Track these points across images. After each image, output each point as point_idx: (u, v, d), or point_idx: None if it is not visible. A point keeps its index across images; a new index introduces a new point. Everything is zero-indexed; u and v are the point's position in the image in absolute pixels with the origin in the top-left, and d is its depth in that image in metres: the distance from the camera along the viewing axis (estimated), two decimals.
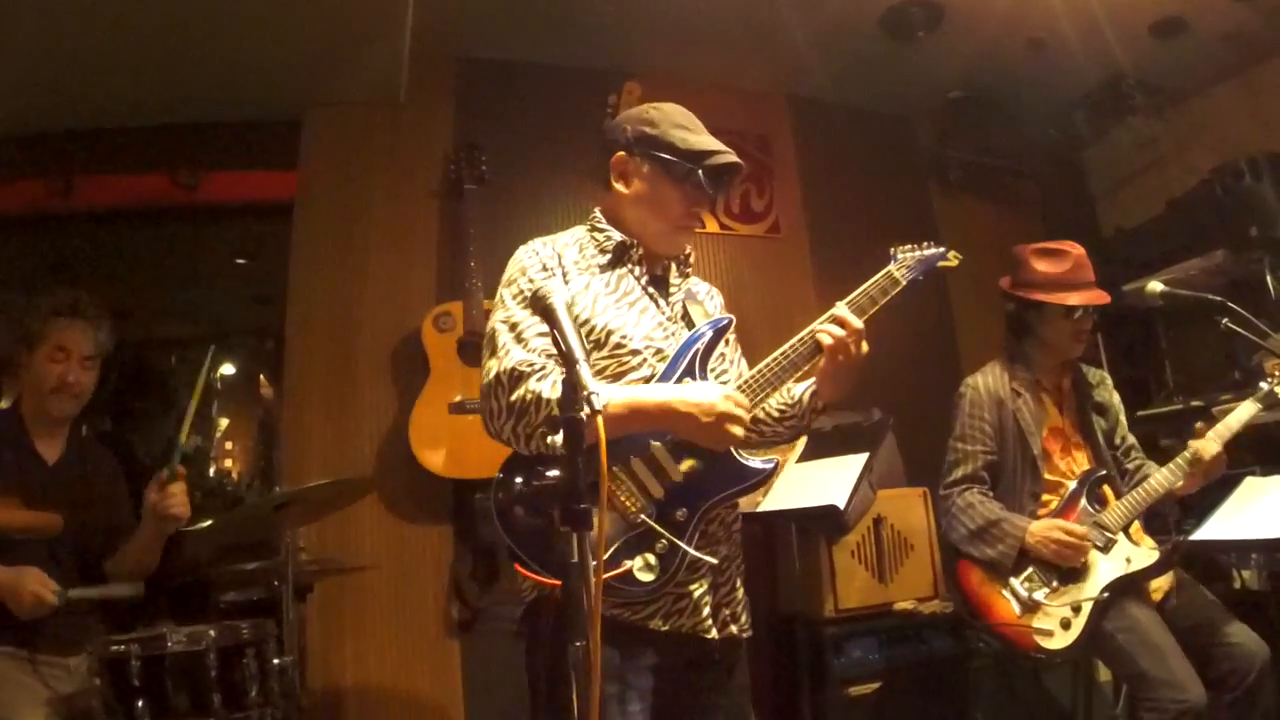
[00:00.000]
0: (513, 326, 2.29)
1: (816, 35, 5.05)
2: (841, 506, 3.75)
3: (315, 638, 4.22)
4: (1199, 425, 3.40)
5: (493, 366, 2.26)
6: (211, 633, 3.01)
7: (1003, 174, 6.22)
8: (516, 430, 2.18)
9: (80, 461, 3.51)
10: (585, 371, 1.78)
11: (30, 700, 2.99)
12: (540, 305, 1.97)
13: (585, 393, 1.74)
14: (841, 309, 2.36)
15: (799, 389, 2.52)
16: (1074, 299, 3.52)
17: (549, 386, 2.13)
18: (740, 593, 2.45)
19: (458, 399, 4.29)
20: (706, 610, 2.31)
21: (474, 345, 4.36)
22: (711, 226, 5.42)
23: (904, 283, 2.53)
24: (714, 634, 2.32)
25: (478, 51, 5.15)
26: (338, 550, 4.30)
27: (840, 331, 2.31)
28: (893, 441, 4.57)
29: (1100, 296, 3.55)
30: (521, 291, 2.34)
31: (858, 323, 2.33)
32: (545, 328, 2.19)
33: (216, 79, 4.59)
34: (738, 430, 2.18)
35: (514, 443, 2.21)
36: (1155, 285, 3.69)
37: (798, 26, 4.93)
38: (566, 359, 1.82)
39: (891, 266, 2.56)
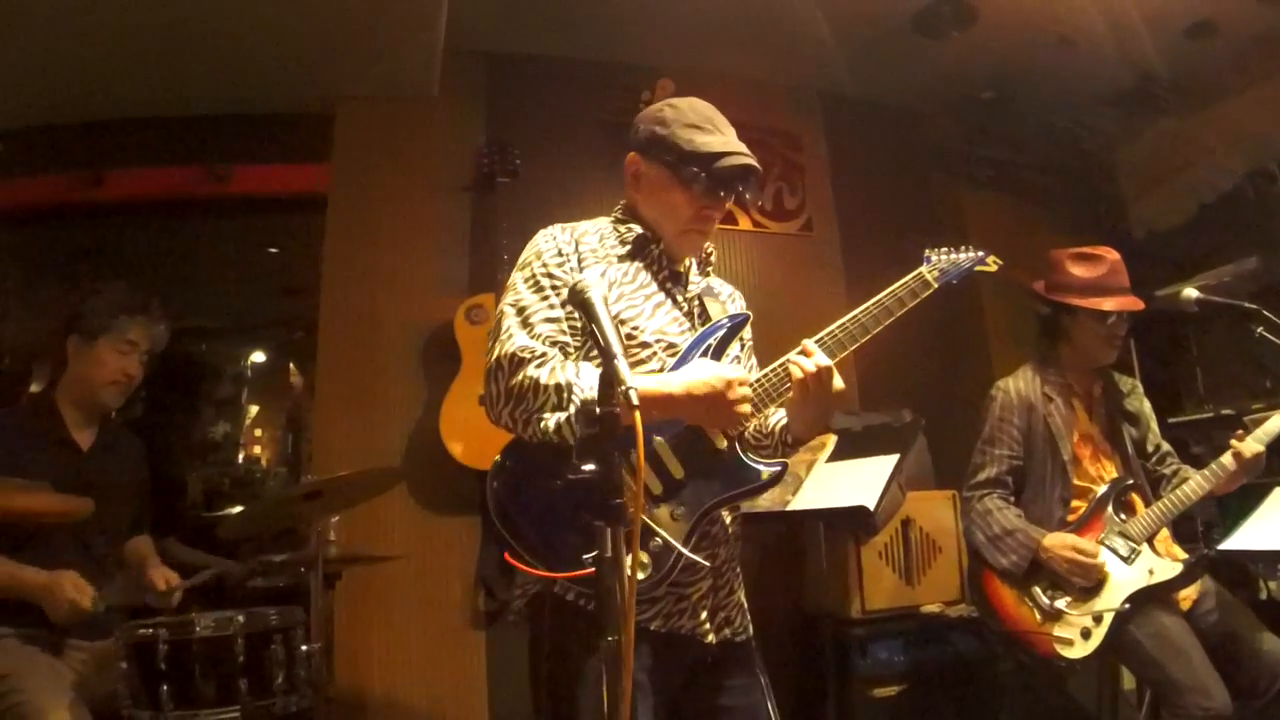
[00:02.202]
0: (520, 310, 2.25)
1: (848, 32, 5.05)
2: (871, 507, 3.74)
3: (342, 627, 4.24)
4: (1240, 432, 3.38)
5: (495, 350, 2.22)
6: (239, 619, 3.03)
7: (1033, 173, 6.18)
8: (515, 415, 2.14)
9: (112, 448, 3.56)
10: (623, 366, 1.75)
11: (57, 684, 3.01)
12: (578, 299, 1.93)
13: (623, 387, 1.73)
14: (808, 342, 2.28)
15: (773, 419, 2.46)
16: (1109, 304, 3.49)
17: (547, 373, 2.11)
18: (737, 596, 2.40)
19: None
20: (704, 614, 2.27)
21: None
22: (744, 224, 5.42)
23: (935, 285, 2.47)
24: (711, 639, 2.27)
25: (509, 46, 5.16)
26: (366, 540, 4.33)
27: (810, 366, 2.22)
28: (923, 443, 4.56)
29: (1135, 303, 3.52)
30: (534, 276, 2.29)
31: (826, 361, 2.23)
32: (553, 313, 2.22)
33: (249, 72, 4.63)
34: (745, 409, 2.15)
35: (512, 427, 2.18)
36: (1190, 292, 3.66)
37: (829, 23, 4.93)
38: (604, 354, 1.80)
39: (924, 268, 2.50)
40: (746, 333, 2.62)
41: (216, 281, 7.21)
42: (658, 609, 2.20)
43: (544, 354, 2.16)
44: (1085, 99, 5.69)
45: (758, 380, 2.28)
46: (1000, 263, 2.69)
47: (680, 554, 2.13)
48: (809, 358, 2.23)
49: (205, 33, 4.24)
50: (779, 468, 2.27)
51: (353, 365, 4.61)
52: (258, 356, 8.73)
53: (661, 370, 2.26)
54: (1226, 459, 3.32)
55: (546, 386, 2.09)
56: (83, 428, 3.48)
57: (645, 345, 2.28)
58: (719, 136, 2.37)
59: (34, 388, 5.62)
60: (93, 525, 3.29)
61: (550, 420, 2.07)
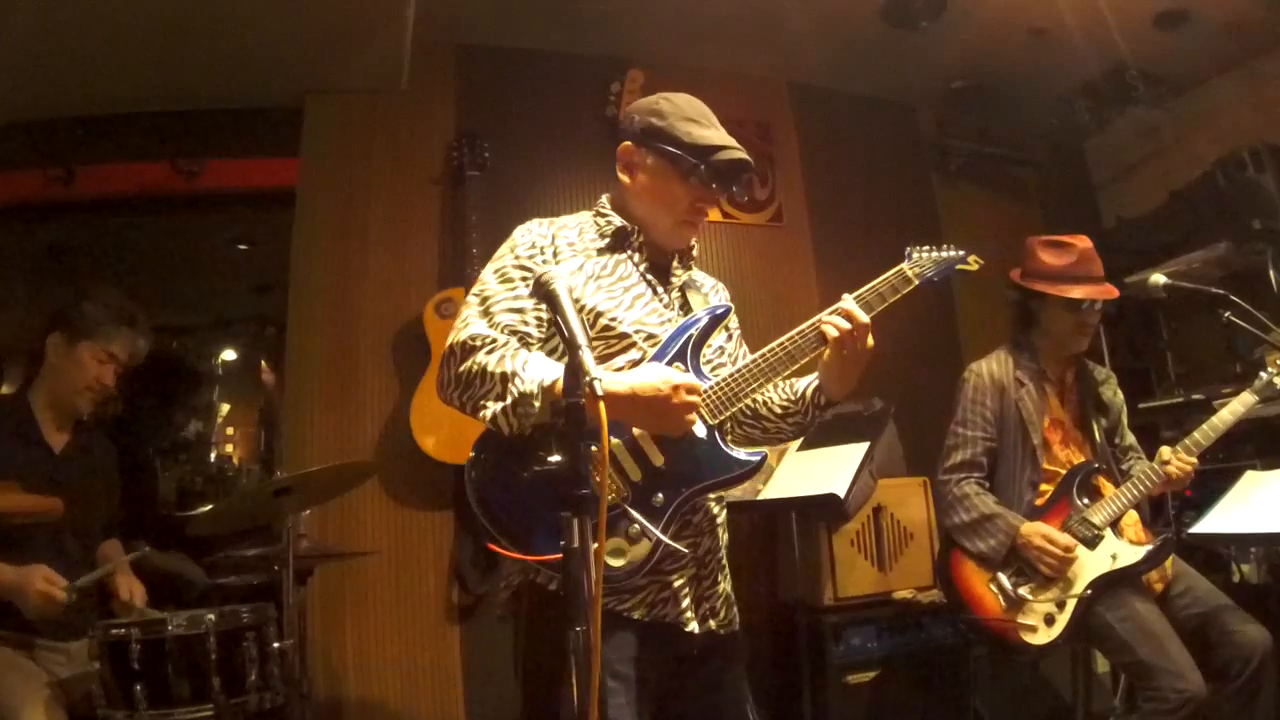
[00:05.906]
0: (483, 300, 2.29)
1: (818, 22, 5.04)
2: (842, 495, 3.76)
3: (316, 623, 4.23)
4: (1164, 449, 3.40)
5: (451, 336, 2.25)
6: (211, 617, 3.02)
7: (1004, 163, 6.21)
8: (463, 399, 2.17)
9: (85, 451, 3.55)
10: (588, 356, 1.76)
11: (31, 686, 3.01)
12: (543, 290, 1.93)
13: (587, 378, 1.73)
14: (849, 301, 2.30)
15: (801, 384, 2.47)
16: (1077, 292, 3.49)
17: (494, 361, 2.12)
18: (722, 587, 2.39)
19: None
20: (687, 603, 2.26)
21: None
22: (714, 215, 5.40)
23: (916, 282, 2.44)
24: (693, 627, 2.25)
25: (479, 39, 5.13)
26: (339, 535, 4.32)
27: (846, 325, 2.25)
28: (893, 430, 4.58)
29: (1105, 291, 3.53)
30: (504, 268, 2.32)
31: (864, 317, 2.27)
32: (516, 304, 2.24)
33: (218, 66, 4.58)
34: (691, 416, 2.13)
35: (461, 410, 2.20)
36: (1158, 278, 3.68)
37: (799, 14, 4.92)
38: (569, 344, 1.81)
39: (905, 265, 2.46)
40: (733, 322, 2.62)
41: (188, 278, 7.19)
42: (640, 598, 2.19)
43: (494, 340, 2.18)
44: (1056, 88, 5.70)
45: (783, 340, 2.30)
46: (981, 262, 2.62)
47: (660, 542, 2.12)
48: (845, 317, 2.27)
49: (175, 29, 4.20)
50: (759, 457, 2.26)
51: (323, 361, 4.58)
52: (229, 354, 8.71)
53: (642, 359, 2.26)
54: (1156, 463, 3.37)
55: (493, 374, 2.10)
56: (56, 430, 3.46)
57: (624, 336, 2.27)
58: (716, 131, 2.40)
59: (5, 388, 5.59)
60: (65, 527, 3.28)
61: (491, 408, 2.09)
